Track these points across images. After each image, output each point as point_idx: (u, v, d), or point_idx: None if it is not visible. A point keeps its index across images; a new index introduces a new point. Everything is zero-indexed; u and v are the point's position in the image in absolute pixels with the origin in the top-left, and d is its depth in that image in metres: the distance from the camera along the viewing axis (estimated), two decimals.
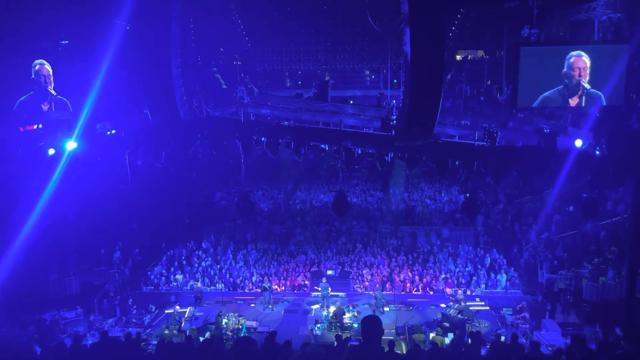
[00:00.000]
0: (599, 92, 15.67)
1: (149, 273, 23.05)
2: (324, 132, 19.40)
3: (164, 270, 23.25)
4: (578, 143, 16.88)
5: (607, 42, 16.83)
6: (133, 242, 24.12)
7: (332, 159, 27.40)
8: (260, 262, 23.94)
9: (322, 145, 19.29)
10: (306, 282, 22.41)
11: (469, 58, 31.27)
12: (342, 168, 24.25)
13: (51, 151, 15.47)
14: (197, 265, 23.77)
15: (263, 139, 18.18)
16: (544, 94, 15.77)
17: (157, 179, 25.65)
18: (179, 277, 22.54)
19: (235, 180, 29.67)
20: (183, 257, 24.23)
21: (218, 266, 23.67)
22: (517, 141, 19.08)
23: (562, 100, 15.88)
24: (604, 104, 15.84)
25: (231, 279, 22.71)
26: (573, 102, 15.84)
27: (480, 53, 30.71)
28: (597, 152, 16.80)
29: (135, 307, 19.69)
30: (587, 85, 15.39)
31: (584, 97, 15.72)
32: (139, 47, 15.83)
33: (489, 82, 28.54)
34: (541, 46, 16.34)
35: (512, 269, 22.65)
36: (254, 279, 22.64)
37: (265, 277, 22.52)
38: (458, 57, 31.15)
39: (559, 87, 15.57)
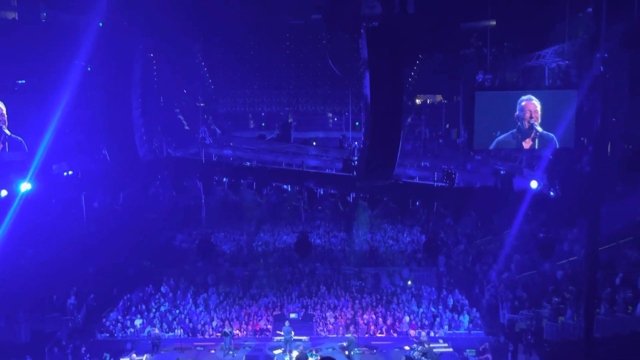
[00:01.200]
0: (551, 134, 16.25)
1: (104, 319, 22.10)
2: (287, 172, 19.43)
3: (120, 316, 22.34)
4: (533, 184, 17.35)
5: (556, 87, 17.57)
6: (88, 286, 23.18)
7: (294, 199, 27.35)
8: (221, 306, 23.31)
9: (285, 186, 19.31)
10: (268, 327, 21.89)
11: (427, 102, 32.22)
12: (305, 209, 24.30)
13: (3, 193, 14.89)
14: (155, 310, 22.95)
15: (225, 179, 18.05)
16: (499, 137, 16.24)
17: (115, 221, 25.01)
18: (138, 322, 21.68)
19: (196, 221, 29.16)
20: (140, 302, 23.37)
21: (177, 311, 22.90)
22: (475, 182, 19.53)
23: (516, 143, 16.36)
24: (557, 146, 16.36)
25: (190, 324, 21.98)
26: (527, 144, 16.39)
27: (439, 98, 31.69)
28: (552, 193, 17.30)
29: (88, 355, 18.85)
30: (539, 128, 15.98)
31: (537, 140, 16.26)
32: (99, 87, 15.67)
33: (447, 126, 29.34)
34: (495, 91, 16.94)
35: (475, 309, 22.72)
36: (214, 323, 21.98)
37: (226, 322, 21.90)
38: (417, 101, 32.03)
39: (513, 130, 16.09)
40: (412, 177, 20.42)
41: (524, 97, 16.12)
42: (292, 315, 22.12)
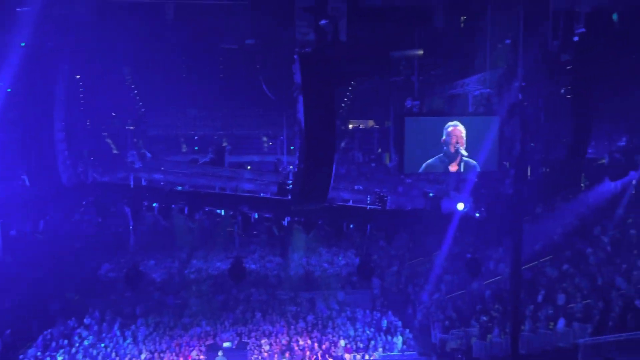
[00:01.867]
0: (474, 161, 16.97)
1: (21, 357, 20.49)
2: (220, 196, 19.16)
3: (39, 353, 20.80)
4: (460, 206, 18.02)
5: (479, 114, 18.39)
6: (4, 321, 21.45)
7: (229, 224, 26.86)
8: (151, 338, 22.22)
9: (218, 211, 18.94)
10: (201, 357, 21.08)
11: (360, 127, 32.97)
12: (240, 234, 23.92)
13: None
14: (78, 344, 21.55)
15: (155, 204, 17.44)
16: (428, 161, 16.76)
17: (35, 250, 23.47)
18: (59, 358, 20.25)
19: (124, 249, 27.88)
20: (62, 337, 21.88)
21: (102, 345, 21.60)
22: (406, 205, 20.05)
23: (444, 167, 16.92)
24: (478, 170, 17.09)
25: (117, 358, 20.78)
26: (453, 168, 17.01)
27: (371, 123, 32.50)
28: (477, 215, 17.97)
29: None
30: (464, 153, 16.59)
31: (462, 164, 16.90)
32: (19, 108, 14.81)
33: (379, 150, 30.05)
34: (422, 116, 17.50)
35: (408, 330, 23.00)
36: (143, 356, 20.89)
37: (156, 354, 20.88)
38: (350, 126, 32.69)
39: (440, 154, 16.63)
40: (346, 200, 20.65)
41: (450, 123, 16.70)
42: (226, 344, 21.43)
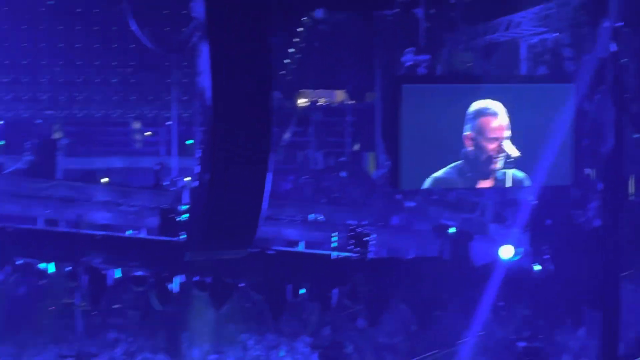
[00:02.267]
0: (520, 173, 17.34)
1: None
2: (47, 237, 19.12)
3: None
4: (506, 252, 18.15)
5: (539, 79, 19.46)
6: None
7: (64, 291, 26.31)
8: None
9: (43, 265, 18.67)
10: None
11: (320, 104, 33.07)
12: (86, 309, 23.40)
13: None
14: None
15: None
16: (438, 173, 17.28)
17: None
18: None
19: None
20: None
21: None
22: (406, 249, 20.68)
23: (465, 182, 17.61)
24: (532, 185, 17.98)
25: None
26: (486, 183, 17.27)
27: (340, 96, 32.54)
28: (537, 268, 18.24)
29: None
30: (513, 152, 16.86)
31: (505, 176, 17.18)
32: None
33: (355, 147, 30.17)
34: (434, 84, 18.14)
35: None
36: None
37: None
38: (302, 102, 32.69)
39: (458, 162, 16.86)
40: (294, 242, 20.98)
41: (480, 105, 17.04)
42: None
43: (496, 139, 17.20)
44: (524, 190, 18.48)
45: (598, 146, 18.67)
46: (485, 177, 17.48)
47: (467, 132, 16.96)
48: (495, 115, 17.07)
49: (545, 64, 19.87)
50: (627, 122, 18.56)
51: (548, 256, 18.96)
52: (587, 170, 19.44)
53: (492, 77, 19.54)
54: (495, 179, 17.46)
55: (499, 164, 17.26)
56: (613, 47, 17.76)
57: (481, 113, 17.02)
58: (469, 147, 17.01)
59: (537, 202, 19.13)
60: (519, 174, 17.49)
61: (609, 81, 18.04)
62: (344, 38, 28.12)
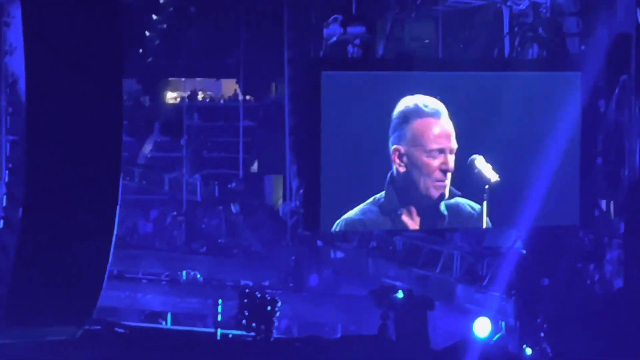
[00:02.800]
0: (472, 204, 17.14)
1: None
2: None
3: None
4: (482, 329, 17.95)
5: (526, 65, 19.23)
6: None
7: None
8: None
9: None
10: None
11: (196, 100, 33.35)
12: None
13: None
14: None
15: None
16: (349, 216, 17.00)
17: None
18: None
19: None
20: None
21: None
22: (329, 324, 21.29)
23: (395, 221, 17.27)
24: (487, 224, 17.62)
25: None
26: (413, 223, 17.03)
27: (231, 87, 32.46)
28: (529, 352, 18.24)
29: None
30: (492, 177, 16.63)
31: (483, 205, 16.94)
32: None
33: (254, 166, 29.96)
34: (372, 71, 17.84)
35: None
36: None
37: None
38: (171, 98, 32.46)
39: (380, 195, 16.87)
40: (156, 314, 21.11)
41: (410, 102, 16.79)
42: None
43: (441, 151, 16.85)
44: (508, 234, 18.06)
45: (618, 168, 18.62)
46: (427, 215, 17.17)
47: (395, 145, 16.62)
48: (436, 115, 16.74)
49: (538, 41, 19.69)
50: None
51: (543, 334, 18.83)
52: (603, 204, 19.12)
53: (460, 62, 19.58)
54: (441, 217, 17.14)
55: (447, 191, 16.93)
56: (639, 18, 17.75)
57: (414, 114, 16.69)
58: (399, 168, 16.66)
59: (527, 251, 19.10)
60: (471, 206, 17.23)
61: (634, 69, 18.00)
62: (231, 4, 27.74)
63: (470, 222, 17.57)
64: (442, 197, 16.96)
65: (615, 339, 17.98)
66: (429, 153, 16.71)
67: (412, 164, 16.73)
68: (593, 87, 17.91)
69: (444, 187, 16.91)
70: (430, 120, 16.70)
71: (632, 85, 18.02)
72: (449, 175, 16.81)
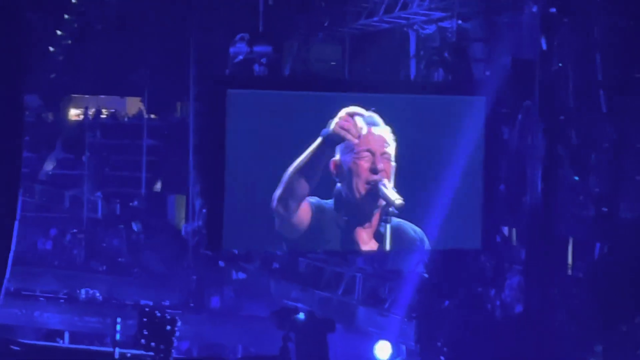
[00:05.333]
0: (414, 227, 16.99)
1: None
2: None
3: None
4: (383, 351, 17.92)
5: (431, 89, 19.13)
6: None
7: None
8: None
9: None
10: None
11: (99, 118, 33.36)
12: None
13: None
14: None
15: None
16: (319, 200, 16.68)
17: None
18: None
19: None
20: None
21: None
22: (230, 345, 21.15)
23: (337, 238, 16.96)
24: (428, 247, 17.49)
25: None
26: (367, 242, 16.95)
27: (136, 105, 32.18)
28: None
29: None
30: (397, 200, 16.47)
31: (386, 233, 16.82)
32: None
33: (157, 185, 29.75)
34: (276, 90, 17.65)
35: None
36: None
37: None
38: (72, 114, 32.11)
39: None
40: (54, 332, 21.46)
41: (348, 111, 16.64)
42: None
43: (370, 151, 16.55)
44: (411, 257, 18.07)
45: (520, 193, 18.78)
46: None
47: (336, 157, 16.48)
48: (370, 124, 16.62)
49: (444, 65, 19.74)
50: (564, 157, 18.52)
51: (444, 358, 18.85)
52: (504, 229, 19.43)
53: (365, 83, 20.11)
54: (379, 235, 16.94)
55: (380, 214, 16.80)
56: (543, 45, 17.83)
57: (348, 117, 16.57)
58: (336, 179, 16.48)
59: (428, 275, 19.14)
60: (413, 229, 16.99)
61: (537, 95, 18.14)
62: (140, 16, 27.59)
63: (413, 245, 17.46)
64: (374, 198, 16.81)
65: None
66: (358, 154, 16.56)
67: (345, 171, 16.55)
68: (497, 112, 17.96)
69: (378, 202, 16.73)
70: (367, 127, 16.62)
71: (535, 111, 18.09)
72: (386, 182, 16.62)
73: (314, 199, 16.47)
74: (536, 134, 18.35)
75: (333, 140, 16.11)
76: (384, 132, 16.53)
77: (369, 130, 16.41)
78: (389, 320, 19.44)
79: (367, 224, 16.75)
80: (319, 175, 16.17)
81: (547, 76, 18.07)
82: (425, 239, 17.06)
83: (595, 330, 18.63)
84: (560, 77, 18.42)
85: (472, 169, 17.58)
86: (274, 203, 16.39)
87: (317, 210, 16.45)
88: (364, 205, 16.60)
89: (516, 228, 20.19)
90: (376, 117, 16.46)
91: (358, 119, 16.14)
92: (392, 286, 19.97)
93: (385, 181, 16.58)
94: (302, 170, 16.05)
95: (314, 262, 21.48)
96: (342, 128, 15.98)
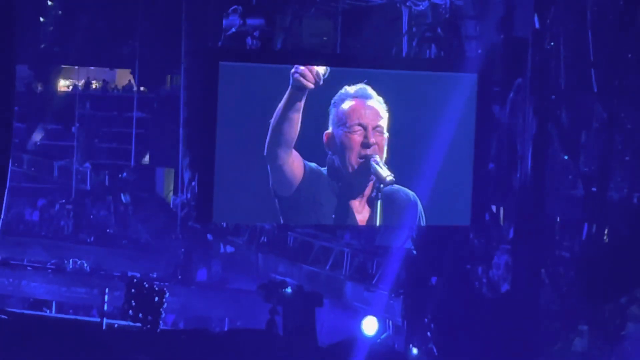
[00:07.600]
0: (409, 191, 16.87)
1: None
2: None
3: None
4: (369, 327, 17.96)
5: (423, 65, 19.08)
6: None
7: None
8: None
9: None
10: None
11: (89, 89, 33.35)
12: None
13: None
14: None
15: None
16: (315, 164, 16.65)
17: None
18: None
19: None
20: None
21: None
22: (217, 318, 21.28)
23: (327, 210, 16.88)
24: (423, 222, 17.39)
25: None
26: (360, 213, 16.81)
27: (123, 78, 32.01)
28: (415, 352, 18.29)
29: None
30: (385, 173, 16.40)
31: (378, 204, 16.72)
32: None
33: (145, 158, 29.61)
34: (270, 64, 17.50)
35: None
36: None
37: None
38: (62, 86, 32.01)
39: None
40: (41, 302, 21.50)
41: (350, 89, 16.53)
42: None
43: (362, 126, 16.48)
44: (399, 233, 18.01)
45: (510, 172, 18.78)
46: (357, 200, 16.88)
47: (329, 129, 16.38)
48: (362, 97, 16.47)
49: (436, 42, 19.69)
50: (554, 136, 18.57)
51: (430, 334, 18.83)
52: (493, 208, 19.43)
53: (357, 58, 19.94)
54: (372, 202, 16.83)
55: (374, 186, 16.67)
56: (536, 24, 17.81)
57: (342, 97, 16.43)
58: (329, 152, 16.37)
59: (416, 251, 19.08)
60: (406, 193, 16.87)
61: (529, 74, 18.15)
62: None
63: (407, 204, 17.21)
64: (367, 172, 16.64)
65: (500, 340, 18.10)
66: (350, 128, 16.44)
67: (337, 144, 16.46)
68: (488, 90, 17.91)
69: (368, 175, 16.62)
70: (356, 101, 16.48)
71: (526, 89, 18.06)
72: (378, 158, 16.47)
73: (312, 164, 16.48)
74: (527, 112, 18.27)
75: (296, 87, 16.05)
76: (376, 104, 16.46)
77: (361, 104, 16.36)
78: (376, 295, 19.48)
79: (359, 196, 16.73)
80: (295, 122, 16.10)
81: (539, 55, 18.01)
82: (419, 202, 16.96)
83: (581, 310, 18.66)
84: (552, 56, 18.38)
85: (463, 146, 17.52)
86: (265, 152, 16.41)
87: (312, 173, 16.40)
88: (356, 179, 16.52)
89: (505, 206, 20.12)
90: (369, 89, 16.37)
91: (319, 68, 16.17)
92: (380, 262, 19.96)
93: (377, 157, 16.47)
94: (279, 118, 16.07)
95: (303, 237, 21.49)
96: (297, 73, 16.00)
